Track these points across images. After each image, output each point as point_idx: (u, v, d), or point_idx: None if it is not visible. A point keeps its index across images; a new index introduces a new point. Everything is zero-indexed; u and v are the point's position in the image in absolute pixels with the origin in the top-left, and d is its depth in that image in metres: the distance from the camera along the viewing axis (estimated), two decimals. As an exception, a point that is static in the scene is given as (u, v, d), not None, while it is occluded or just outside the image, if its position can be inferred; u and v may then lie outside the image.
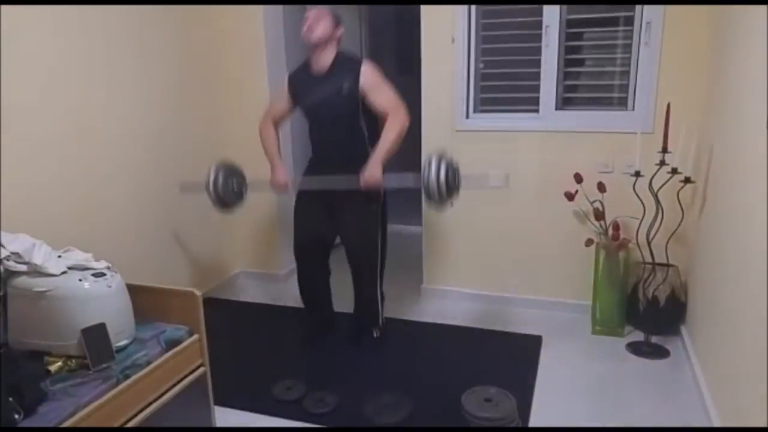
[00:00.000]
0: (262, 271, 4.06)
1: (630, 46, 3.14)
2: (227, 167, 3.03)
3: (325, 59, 2.75)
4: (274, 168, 2.96)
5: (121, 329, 2.06)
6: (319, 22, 2.69)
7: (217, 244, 3.89)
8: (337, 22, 2.76)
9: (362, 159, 2.76)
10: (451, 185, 2.56)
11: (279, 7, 3.81)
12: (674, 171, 2.84)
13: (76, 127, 2.73)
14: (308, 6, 2.81)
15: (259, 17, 3.68)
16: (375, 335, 3.07)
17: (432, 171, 2.54)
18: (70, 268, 2.03)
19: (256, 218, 4.01)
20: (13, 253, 1.97)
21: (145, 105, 3.17)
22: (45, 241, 2.08)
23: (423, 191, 2.60)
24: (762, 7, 2.01)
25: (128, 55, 3.02)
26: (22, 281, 1.96)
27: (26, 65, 2.45)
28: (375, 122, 2.84)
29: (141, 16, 3.08)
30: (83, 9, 2.71)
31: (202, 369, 2.27)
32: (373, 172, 2.67)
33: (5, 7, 2.34)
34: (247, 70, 3.74)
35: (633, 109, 3.18)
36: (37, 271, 1.97)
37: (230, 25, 3.73)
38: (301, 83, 2.87)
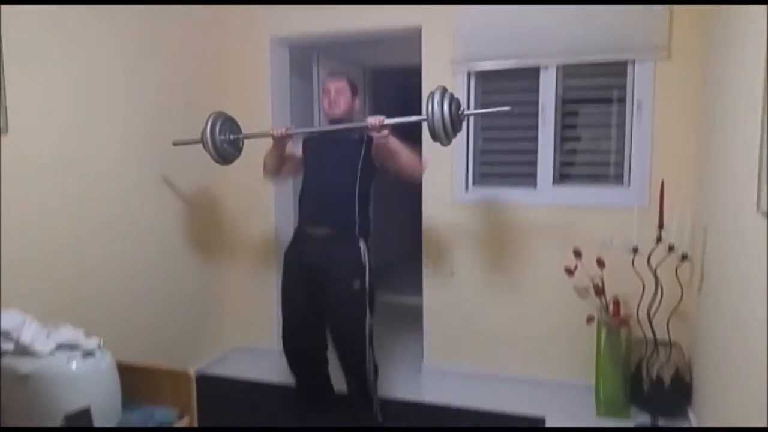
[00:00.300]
0: (256, 346, 3.98)
1: (623, 124, 3.21)
2: (224, 118, 3.00)
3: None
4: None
5: (107, 413, 2.00)
6: (340, 97, 2.82)
7: (211, 318, 3.84)
8: (354, 92, 2.89)
9: (349, 224, 2.79)
10: (455, 118, 2.57)
11: (285, 48, 3.91)
12: (671, 248, 2.82)
13: (68, 199, 2.73)
14: (327, 77, 2.93)
15: (266, 53, 3.76)
16: (379, 420, 2.94)
17: (435, 104, 2.55)
18: (59, 347, 1.99)
19: (250, 292, 3.97)
20: (1, 331, 1.94)
21: (137, 167, 3.16)
22: (35, 316, 2.05)
23: (428, 128, 2.61)
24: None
25: (122, 112, 3.04)
26: (6, 362, 1.92)
27: (24, 143, 2.50)
28: (367, 201, 2.87)
29: (139, 52, 3.11)
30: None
31: (189, 454, 2.21)
32: (379, 117, 2.66)
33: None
34: (250, 109, 3.68)
35: (629, 185, 3.21)
36: (24, 351, 1.93)
37: (236, 59, 3.80)
38: (314, 137, 2.97)
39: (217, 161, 3.01)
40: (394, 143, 2.70)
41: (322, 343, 2.97)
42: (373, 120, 2.66)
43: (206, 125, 2.93)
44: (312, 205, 2.88)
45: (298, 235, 2.94)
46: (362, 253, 2.81)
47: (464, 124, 3.36)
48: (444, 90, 2.61)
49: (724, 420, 2.36)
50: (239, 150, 3.10)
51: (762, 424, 1.82)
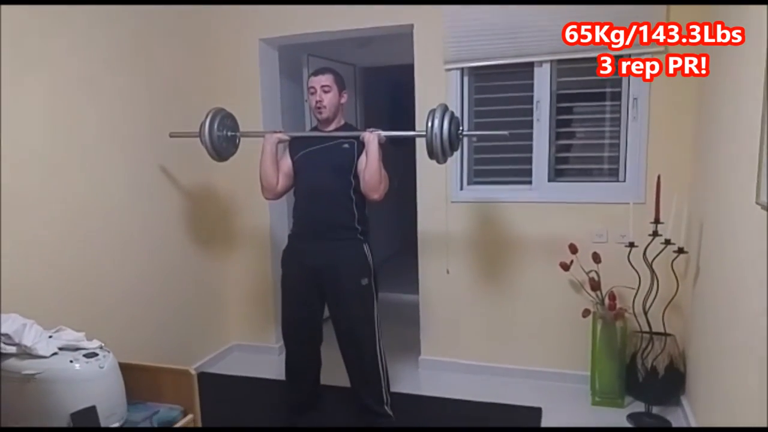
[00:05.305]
0: (257, 343, 4.00)
1: (618, 119, 3.23)
2: (223, 114, 2.99)
3: (332, 127, 2.86)
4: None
5: (112, 411, 2.01)
6: (327, 95, 2.77)
7: (211, 316, 3.84)
8: (341, 87, 2.83)
9: (351, 232, 2.78)
10: (453, 138, 2.60)
11: (275, 49, 3.89)
12: (667, 242, 2.86)
13: (70, 205, 2.74)
14: (311, 74, 2.86)
15: (255, 55, 3.74)
16: (389, 412, 2.95)
17: (436, 123, 2.56)
18: (61, 349, 2.00)
19: (250, 290, 3.98)
20: (3, 335, 1.95)
21: (134, 166, 3.14)
22: (36, 320, 2.05)
23: (426, 145, 2.62)
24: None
25: (122, 130, 3.05)
26: (11, 364, 1.93)
27: (24, 146, 2.49)
28: (364, 204, 2.85)
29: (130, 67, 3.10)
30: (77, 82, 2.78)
31: (195, 451, 2.21)
32: (374, 132, 2.70)
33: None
34: (241, 111, 3.50)
35: (624, 181, 3.24)
36: (26, 353, 1.94)
37: (226, 62, 3.77)
38: (302, 139, 2.93)
39: (213, 157, 3.01)
40: (375, 149, 2.68)
41: (319, 334, 3.01)
42: (369, 135, 2.69)
43: (205, 119, 2.92)
44: (310, 215, 2.85)
45: (298, 242, 2.92)
46: (367, 255, 2.84)
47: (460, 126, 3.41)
48: (445, 108, 2.63)
49: (717, 406, 2.42)
50: (236, 147, 3.10)
51: (753, 408, 1.88)
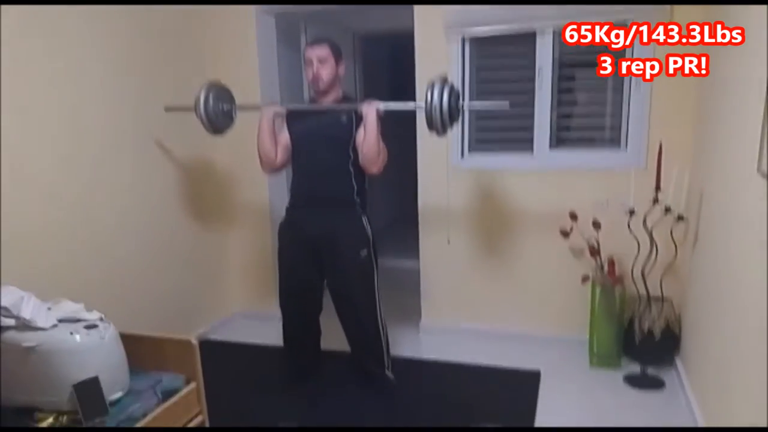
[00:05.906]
0: (259, 311, 4.02)
1: (621, 87, 3.19)
2: (218, 88, 2.95)
3: (330, 99, 2.80)
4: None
5: (114, 381, 2.03)
6: (323, 68, 2.71)
7: (213, 284, 3.87)
8: (338, 58, 2.77)
9: (349, 205, 2.77)
10: (453, 110, 2.57)
11: (272, 17, 3.82)
12: (667, 209, 2.86)
13: (68, 172, 2.72)
14: (308, 45, 2.81)
15: (251, 23, 3.67)
16: (391, 376, 3.00)
17: (435, 95, 2.53)
18: (60, 321, 2.01)
19: (251, 258, 3.99)
20: (1, 308, 1.94)
21: (132, 135, 3.11)
22: (34, 292, 2.05)
23: (425, 117, 2.59)
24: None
25: (125, 101, 3.03)
26: (10, 336, 1.94)
27: (26, 111, 2.48)
28: (363, 177, 2.84)
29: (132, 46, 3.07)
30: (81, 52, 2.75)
31: (200, 418, 2.24)
32: (372, 104, 2.66)
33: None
34: (239, 80, 3.43)
35: (626, 148, 3.21)
36: (25, 326, 1.94)
37: (222, 30, 3.70)
38: (300, 112, 2.89)
39: (208, 130, 2.98)
40: (372, 122, 2.65)
41: (319, 304, 3.03)
42: (368, 108, 2.65)
43: (199, 94, 2.88)
44: (308, 189, 2.84)
45: (296, 213, 2.91)
46: (365, 226, 2.84)
47: (461, 90, 3.36)
48: (444, 80, 2.59)
49: (709, 365, 2.49)
50: (232, 120, 3.06)
51: (745, 368, 1.93)
